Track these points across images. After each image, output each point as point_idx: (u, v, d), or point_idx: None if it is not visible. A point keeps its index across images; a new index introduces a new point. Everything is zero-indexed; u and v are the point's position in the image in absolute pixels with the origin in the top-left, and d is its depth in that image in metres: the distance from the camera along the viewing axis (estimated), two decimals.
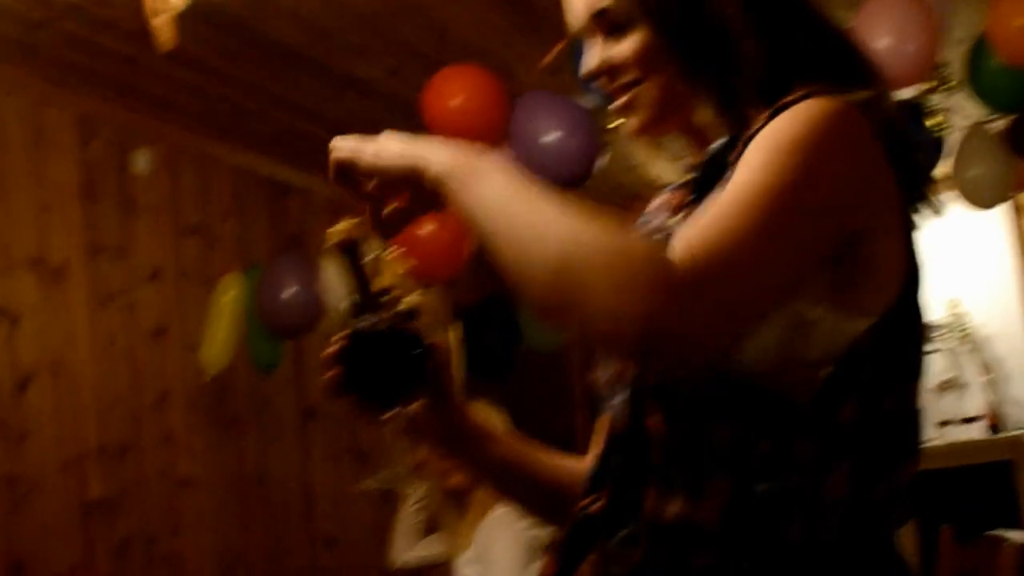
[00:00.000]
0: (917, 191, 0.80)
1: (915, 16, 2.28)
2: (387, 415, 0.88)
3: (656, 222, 0.88)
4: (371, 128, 3.61)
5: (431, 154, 0.78)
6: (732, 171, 0.73)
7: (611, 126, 2.91)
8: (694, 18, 0.80)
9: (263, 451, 3.35)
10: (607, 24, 0.84)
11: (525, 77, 2.92)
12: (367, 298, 0.86)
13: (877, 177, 0.75)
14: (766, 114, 0.76)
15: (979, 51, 2.50)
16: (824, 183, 0.72)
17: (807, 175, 0.71)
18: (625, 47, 0.83)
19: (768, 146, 0.72)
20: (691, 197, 0.84)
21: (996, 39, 2.32)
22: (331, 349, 0.87)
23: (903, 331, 0.77)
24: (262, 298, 2.92)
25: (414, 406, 0.91)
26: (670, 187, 0.93)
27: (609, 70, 0.85)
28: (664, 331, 0.65)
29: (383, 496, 3.79)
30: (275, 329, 2.98)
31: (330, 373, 0.87)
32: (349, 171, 0.83)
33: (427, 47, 2.81)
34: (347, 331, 0.86)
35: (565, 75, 2.94)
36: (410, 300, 0.88)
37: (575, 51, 2.35)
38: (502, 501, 2.46)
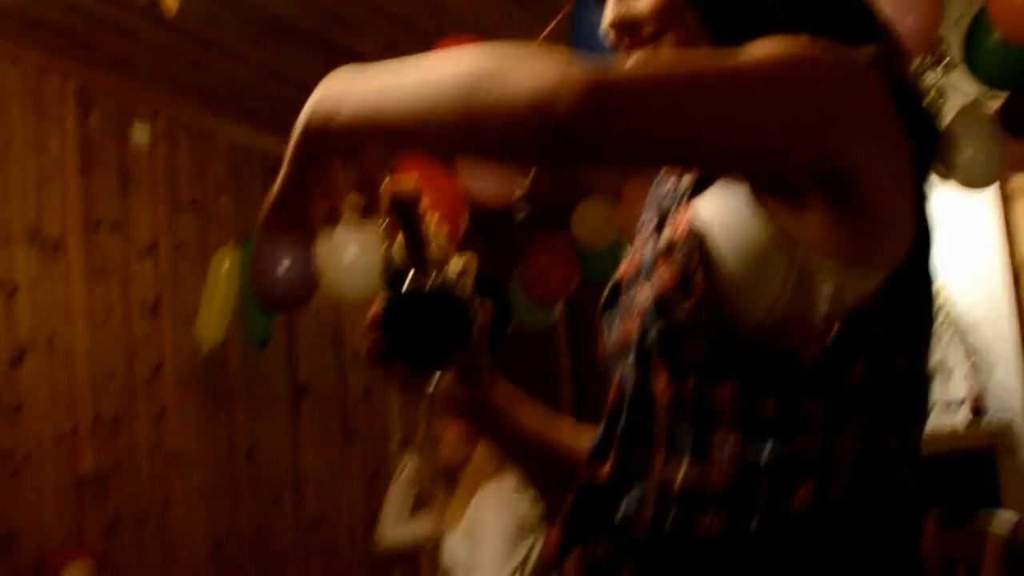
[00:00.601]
0: (929, 154, 0.78)
1: None
2: (431, 381, 0.85)
3: (672, 180, 0.88)
4: None
5: (305, 111, 0.75)
6: None
7: None
8: None
9: (254, 428, 3.34)
10: None
11: None
12: (418, 256, 0.82)
13: (880, 121, 0.73)
14: None
15: (977, 27, 2.45)
16: (808, 90, 0.70)
17: (792, 75, 0.69)
18: (645, 2, 0.82)
19: (750, 50, 0.70)
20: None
21: (996, 14, 2.28)
22: (374, 311, 0.83)
23: (913, 291, 0.76)
24: (255, 272, 2.91)
25: (448, 375, 0.89)
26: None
27: (627, 24, 0.83)
28: (580, 111, 0.61)
29: (371, 477, 3.78)
30: (268, 303, 2.96)
31: (371, 337, 0.83)
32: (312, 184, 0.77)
33: (424, 21, 2.80)
34: (397, 292, 0.82)
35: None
36: (457, 263, 0.85)
37: (572, 27, 2.33)
38: (498, 477, 2.48)
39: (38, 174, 2.77)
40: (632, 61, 0.67)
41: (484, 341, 0.89)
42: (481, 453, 2.52)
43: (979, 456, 4.60)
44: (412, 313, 0.82)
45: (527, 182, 2.54)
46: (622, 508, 0.76)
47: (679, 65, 0.68)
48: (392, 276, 0.83)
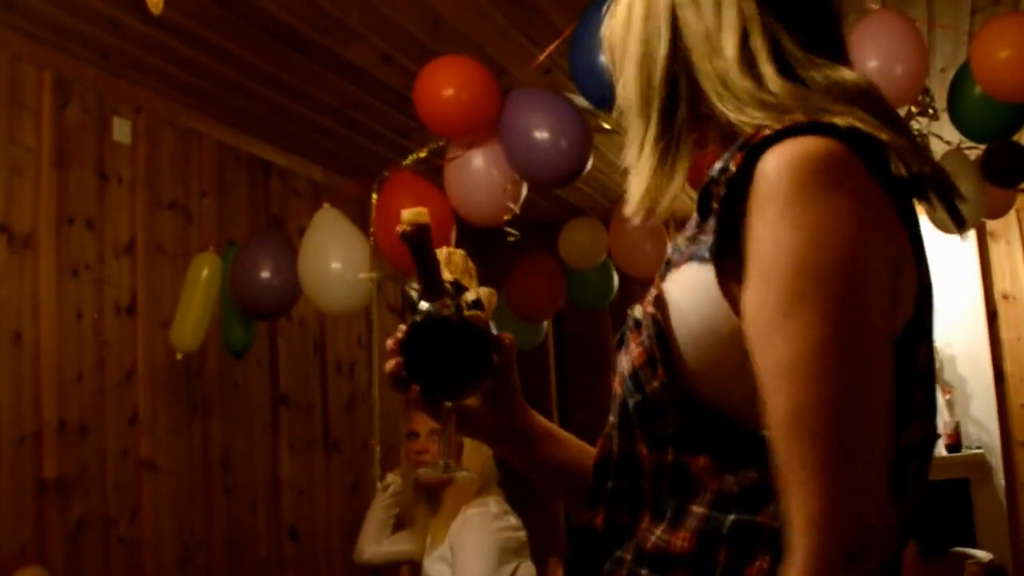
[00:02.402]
0: (926, 197, 0.74)
1: (904, 39, 2.28)
2: (450, 405, 0.86)
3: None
4: (360, 113, 3.46)
5: None
6: (712, 225, 0.70)
7: (605, 127, 2.78)
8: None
9: (230, 437, 3.19)
10: None
11: (518, 73, 2.82)
12: (435, 285, 0.83)
13: (882, 219, 0.68)
14: (738, 156, 0.68)
15: (960, 80, 2.52)
16: (864, 285, 0.65)
17: (850, 290, 0.64)
18: None
19: (794, 270, 0.64)
20: (694, 230, 0.79)
21: (979, 70, 2.34)
22: (396, 337, 0.85)
23: (912, 359, 0.71)
24: (236, 278, 2.77)
25: (472, 398, 0.89)
26: None
27: None
28: None
29: (351, 488, 3.67)
30: (249, 310, 2.83)
31: (393, 362, 0.84)
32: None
33: (422, 36, 2.69)
34: (415, 318, 0.84)
35: (558, 74, 2.84)
36: (474, 292, 0.86)
37: (570, 51, 2.27)
38: (481, 500, 2.36)
39: (10, 164, 2.60)
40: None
41: (511, 367, 0.89)
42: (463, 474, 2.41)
43: (955, 487, 4.60)
44: (429, 340, 0.83)
45: (516, 205, 2.48)
46: (607, 562, 0.78)
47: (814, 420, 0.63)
48: (412, 304, 0.85)
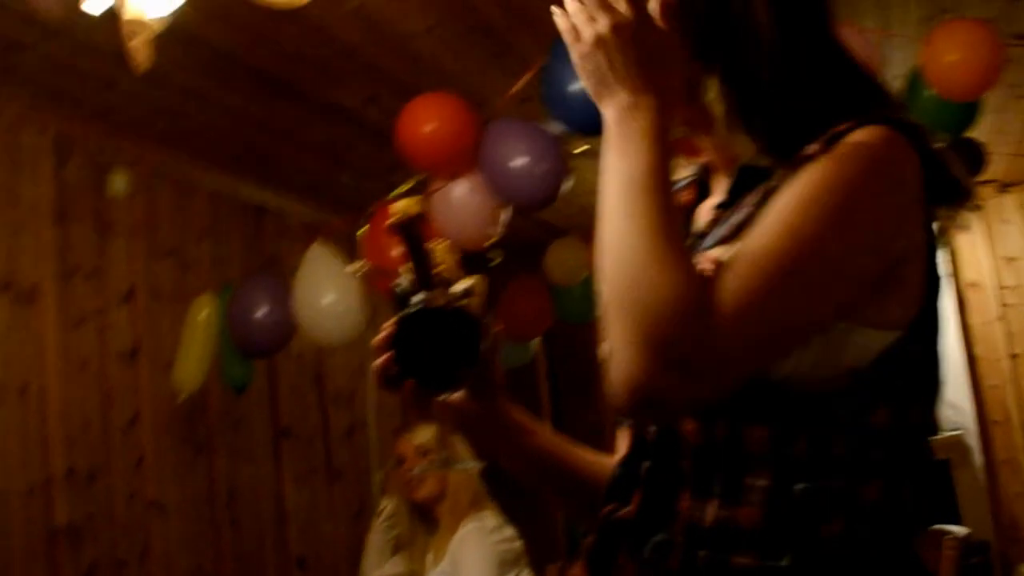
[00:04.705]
0: (947, 206, 0.80)
1: (859, 50, 2.30)
2: (442, 395, 0.84)
3: None
4: (347, 152, 3.49)
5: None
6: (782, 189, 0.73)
7: (576, 151, 2.83)
8: (732, 36, 0.79)
9: (235, 471, 3.20)
10: None
11: (495, 104, 2.87)
12: (426, 276, 0.81)
13: (914, 205, 0.75)
14: (822, 141, 0.74)
15: (914, 83, 2.57)
16: (869, 222, 0.71)
17: (853, 217, 0.71)
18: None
19: (817, 182, 0.71)
20: (726, 199, 0.83)
21: (930, 73, 2.40)
22: (385, 332, 0.83)
23: (927, 342, 0.77)
24: (234, 318, 2.80)
25: (459, 391, 0.86)
26: (676, 185, 0.92)
27: None
28: (690, 375, 0.67)
29: (355, 515, 3.66)
30: (247, 349, 2.85)
31: (383, 358, 0.82)
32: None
33: (403, 75, 2.74)
34: (406, 310, 0.81)
35: (533, 103, 2.90)
36: (464, 282, 0.85)
37: (543, 80, 2.32)
38: (477, 513, 2.37)
39: (13, 223, 2.63)
40: (720, 284, 0.69)
41: (496, 357, 0.87)
42: (456, 489, 2.42)
43: (936, 467, 4.66)
44: (422, 331, 0.81)
45: (500, 229, 2.52)
46: (650, 548, 0.75)
47: (763, 265, 0.69)
48: (401, 297, 0.83)
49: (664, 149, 0.73)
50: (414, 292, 0.82)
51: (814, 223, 0.69)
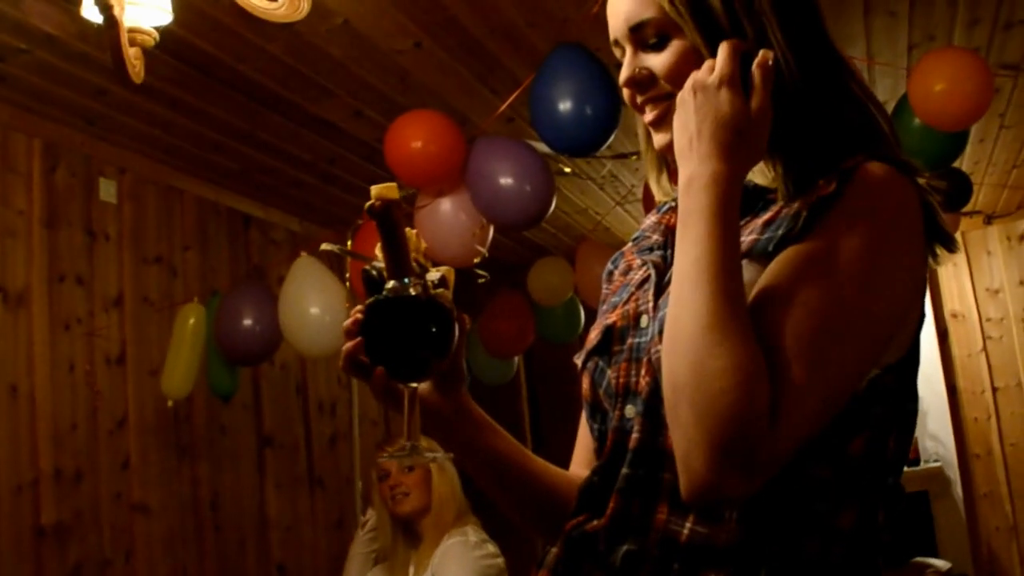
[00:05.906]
0: (938, 243, 0.80)
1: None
2: (410, 384, 0.79)
3: (655, 238, 0.90)
4: (333, 166, 3.54)
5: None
6: (803, 225, 0.73)
7: (563, 171, 2.85)
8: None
9: (218, 478, 3.23)
10: (644, 37, 0.80)
11: (481, 123, 2.90)
12: (400, 262, 0.78)
13: (922, 250, 0.76)
14: (833, 181, 0.75)
15: (900, 113, 2.56)
16: (908, 282, 0.74)
17: (894, 284, 0.72)
18: (660, 60, 0.80)
19: (859, 250, 0.71)
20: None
21: (917, 102, 2.37)
22: (355, 317, 0.80)
23: (906, 374, 0.77)
24: (220, 326, 2.83)
25: (425, 381, 0.83)
26: (664, 207, 0.92)
27: (641, 82, 0.81)
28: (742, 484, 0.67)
29: (336, 524, 3.68)
30: (233, 357, 2.88)
31: (352, 344, 0.79)
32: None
33: (390, 91, 2.77)
34: (379, 296, 0.78)
35: (519, 122, 2.94)
36: (437, 271, 0.82)
37: (530, 101, 2.35)
38: (459, 528, 2.39)
39: (3, 228, 2.67)
40: (781, 374, 0.68)
41: (463, 349, 0.84)
42: (441, 504, 2.44)
43: (915, 499, 4.64)
44: (394, 318, 0.78)
45: (484, 248, 2.53)
46: (620, 557, 0.73)
47: (822, 346, 0.69)
48: (374, 282, 0.80)
49: (729, 228, 0.71)
50: (388, 278, 0.79)
51: (863, 294, 0.70)
